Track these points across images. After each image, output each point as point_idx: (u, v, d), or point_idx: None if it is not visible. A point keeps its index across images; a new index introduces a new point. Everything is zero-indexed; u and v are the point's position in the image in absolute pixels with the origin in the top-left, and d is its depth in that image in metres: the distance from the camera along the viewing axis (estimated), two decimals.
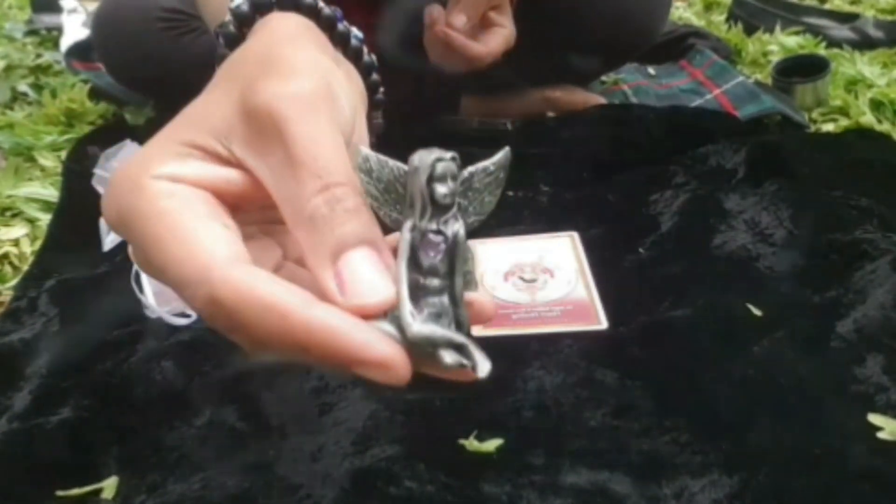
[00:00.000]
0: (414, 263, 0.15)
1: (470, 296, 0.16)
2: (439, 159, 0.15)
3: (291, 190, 0.16)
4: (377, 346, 0.15)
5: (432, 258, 0.15)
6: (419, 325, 0.15)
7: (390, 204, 0.16)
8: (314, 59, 0.19)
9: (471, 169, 0.17)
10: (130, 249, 0.19)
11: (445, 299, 0.15)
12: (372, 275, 0.16)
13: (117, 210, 0.17)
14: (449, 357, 0.15)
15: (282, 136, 0.16)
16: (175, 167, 0.17)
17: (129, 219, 0.16)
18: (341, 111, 0.18)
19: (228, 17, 0.22)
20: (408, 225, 0.16)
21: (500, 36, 0.54)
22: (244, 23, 0.22)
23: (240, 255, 0.16)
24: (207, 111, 0.18)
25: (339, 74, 0.19)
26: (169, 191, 0.16)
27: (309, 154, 0.16)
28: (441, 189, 0.15)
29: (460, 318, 0.16)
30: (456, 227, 0.16)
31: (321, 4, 0.22)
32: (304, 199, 0.16)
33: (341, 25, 0.23)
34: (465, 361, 0.14)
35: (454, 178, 0.16)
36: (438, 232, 0.15)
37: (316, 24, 0.21)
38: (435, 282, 0.15)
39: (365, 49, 0.24)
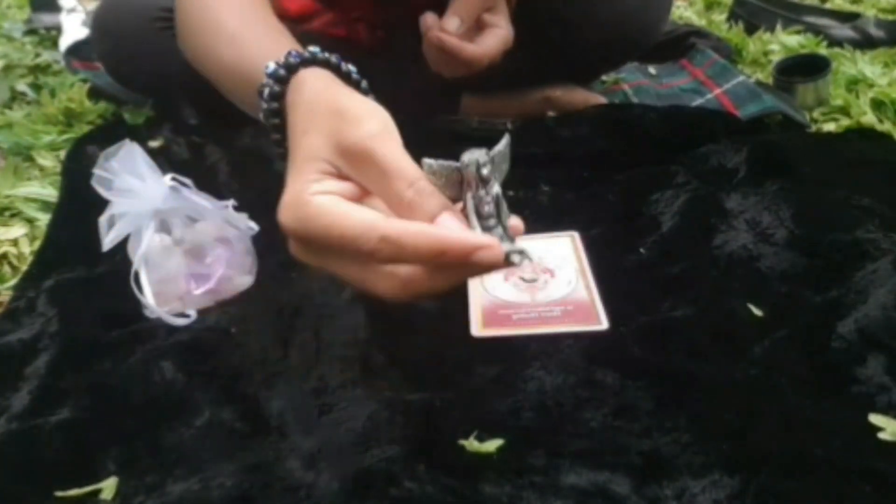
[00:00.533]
0: (478, 215, 0.27)
1: (509, 224, 0.29)
2: (481, 156, 0.28)
3: (390, 191, 0.27)
4: (488, 239, 0.26)
5: (489, 209, 0.27)
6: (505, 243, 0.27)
7: (447, 188, 0.28)
8: (366, 104, 0.30)
9: (493, 152, 0.29)
10: (293, 245, 0.30)
11: (500, 230, 0.28)
12: (456, 224, 0.27)
13: (294, 218, 0.28)
14: (517, 257, 0.26)
15: (374, 161, 0.28)
16: (320, 186, 0.28)
17: (304, 221, 0.28)
18: (396, 133, 0.29)
19: (266, 80, 0.32)
20: (469, 195, 0.28)
21: (496, 37, 0.53)
22: (281, 81, 0.32)
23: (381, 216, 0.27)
24: (316, 152, 0.29)
25: (381, 108, 0.30)
26: (323, 198, 0.28)
27: (395, 168, 0.27)
28: (484, 171, 0.27)
29: (511, 238, 0.28)
30: (495, 189, 0.28)
31: (328, 56, 0.33)
32: (401, 194, 0.27)
33: (343, 66, 0.34)
34: (529, 257, 0.27)
35: (487, 163, 0.28)
36: (487, 194, 0.27)
37: (330, 71, 0.32)
38: (491, 222, 0.28)
39: (358, 79, 0.34)
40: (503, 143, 0.29)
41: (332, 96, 0.30)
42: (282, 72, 0.32)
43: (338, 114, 0.29)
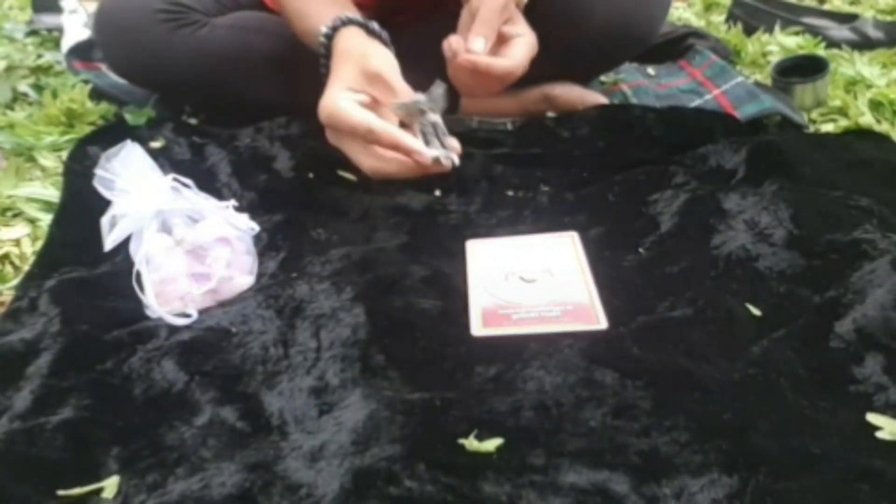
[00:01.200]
0: (422, 134, 0.47)
1: (448, 142, 0.47)
2: (421, 98, 0.46)
3: (394, 98, 0.47)
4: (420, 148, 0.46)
5: (428, 130, 0.47)
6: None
7: (407, 117, 0.47)
8: (381, 50, 0.51)
9: (429, 95, 0.47)
10: (327, 132, 0.50)
11: (437, 143, 0.47)
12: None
13: (325, 113, 0.48)
14: (443, 160, 0.45)
15: (386, 81, 0.48)
16: (344, 94, 0.48)
17: (331, 114, 0.47)
18: (398, 67, 0.49)
19: (322, 39, 0.52)
20: (416, 122, 0.47)
21: (523, 45, 0.53)
22: (329, 38, 0.52)
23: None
24: (346, 74, 0.48)
25: (390, 53, 0.51)
26: (344, 101, 0.47)
27: (399, 87, 0.47)
28: (423, 107, 0.47)
29: (445, 150, 0.46)
30: (430, 117, 0.47)
31: (364, 20, 0.52)
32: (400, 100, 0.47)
33: (370, 25, 0.52)
34: (453, 160, 0.46)
35: (426, 102, 0.47)
36: (427, 121, 0.47)
37: (361, 29, 0.51)
38: (431, 138, 0.47)
39: (385, 34, 0.52)
40: (440, 88, 0.46)
41: (361, 43, 0.50)
42: (330, 32, 0.51)
43: (363, 53, 0.49)
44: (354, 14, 0.52)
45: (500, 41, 0.53)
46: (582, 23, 0.65)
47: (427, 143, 0.45)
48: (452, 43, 0.52)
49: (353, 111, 0.46)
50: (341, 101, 0.46)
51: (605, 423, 0.34)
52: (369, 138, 0.46)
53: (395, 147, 0.45)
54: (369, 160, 0.47)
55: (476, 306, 0.44)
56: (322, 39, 0.51)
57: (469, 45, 0.51)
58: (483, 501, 0.30)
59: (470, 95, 0.58)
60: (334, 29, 0.51)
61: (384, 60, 0.48)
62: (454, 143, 0.47)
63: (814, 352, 0.39)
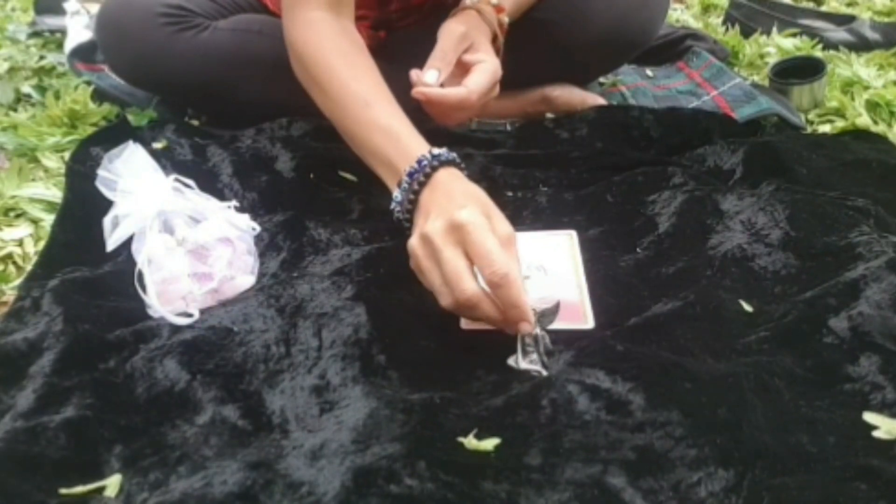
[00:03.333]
0: (522, 344, 0.40)
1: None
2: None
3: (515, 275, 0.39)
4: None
5: (528, 341, 0.40)
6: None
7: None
8: (477, 194, 0.43)
9: (541, 310, 0.41)
10: (425, 256, 0.41)
11: (535, 356, 0.40)
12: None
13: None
14: (534, 372, 0.39)
15: (512, 248, 0.40)
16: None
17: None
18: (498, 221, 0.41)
19: (405, 181, 0.44)
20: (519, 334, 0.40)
21: (482, 72, 0.53)
22: (420, 183, 0.43)
23: None
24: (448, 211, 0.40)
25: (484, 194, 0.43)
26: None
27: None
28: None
29: (544, 365, 0.40)
30: (536, 331, 0.40)
31: (455, 157, 0.45)
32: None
33: (457, 158, 0.45)
34: (541, 374, 0.39)
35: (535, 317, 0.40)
36: (531, 336, 0.40)
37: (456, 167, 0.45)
38: (529, 349, 0.40)
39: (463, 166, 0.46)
40: (553, 304, 0.41)
41: (464, 188, 0.43)
42: (422, 176, 0.43)
43: (485, 198, 0.42)
44: (442, 151, 0.44)
45: (463, 70, 0.54)
46: (581, 26, 0.65)
47: (524, 352, 0.39)
48: (412, 76, 0.53)
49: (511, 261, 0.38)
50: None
51: (599, 418, 0.35)
52: (502, 291, 0.37)
53: (514, 306, 0.38)
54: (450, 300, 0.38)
55: None
56: (406, 188, 0.43)
57: (422, 78, 0.52)
58: (483, 499, 0.30)
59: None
60: (428, 172, 0.43)
61: (506, 226, 0.41)
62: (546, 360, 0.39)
63: (809, 350, 0.39)
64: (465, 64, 0.54)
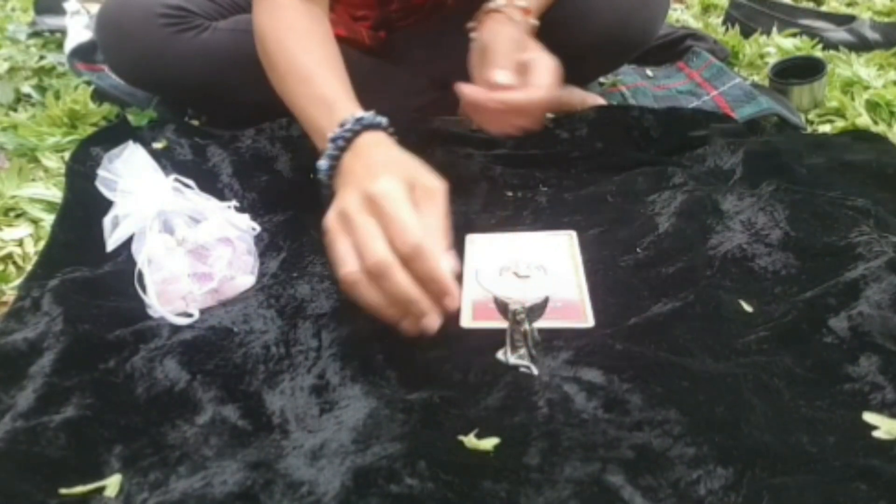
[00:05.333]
0: (511, 338, 0.39)
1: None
2: (520, 306, 0.39)
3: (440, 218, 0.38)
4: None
5: (517, 337, 0.39)
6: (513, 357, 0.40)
7: (498, 311, 0.40)
8: (398, 160, 0.41)
9: (529, 304, 0.39)
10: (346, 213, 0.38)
11: (524, 350, 0.39)
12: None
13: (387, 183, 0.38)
14: (523, 369, 0.39)
15: (437, 201, 0.38)
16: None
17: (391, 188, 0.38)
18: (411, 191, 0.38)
19: (330, 145, 0.42)
20: (508, 326, 0.39)
21: (545, 69, 0.49)
22: (341, 148, 0.42)
23: None
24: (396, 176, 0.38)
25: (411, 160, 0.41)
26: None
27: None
28: (519, 317, 0.39)
29: (533, 359, 0.39)
30: (524, 327, 0.39)
31: (381, 122, 0.43)
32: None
33: (383, 122, 0.43)
34: (532, 371, 0.39)
35: (523, 311, 0.39)
36: (518, 329, 0.39)
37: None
38: (518, 344, 0.39)
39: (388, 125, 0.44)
40: (541, 299, 0.39)
41: (394, 155, 0.41)
42: (342, 141, 0.42)
43: (408, 163, 0.40)
44: (368, 115, 0.43)
45: (520, 71, 0.50)
46: (581, 26, 0.65)
47: (513, 346, 0.38)
48: (466, 90, 0.49)
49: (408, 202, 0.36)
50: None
51: (597, 416, 0.35)
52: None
53: (432, 280, 0.35)
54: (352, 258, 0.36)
55: (468, 299, 0.44)
56: (331, 150, 0.41)
57: (494, 80, 0.48)
58: (483, 498, 0.30)
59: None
60: (353, 134, 0.41)
61: (434, 180, 0.39)
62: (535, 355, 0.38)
63: (809, 350, 0.39)
64: (520, 64, 0.50)
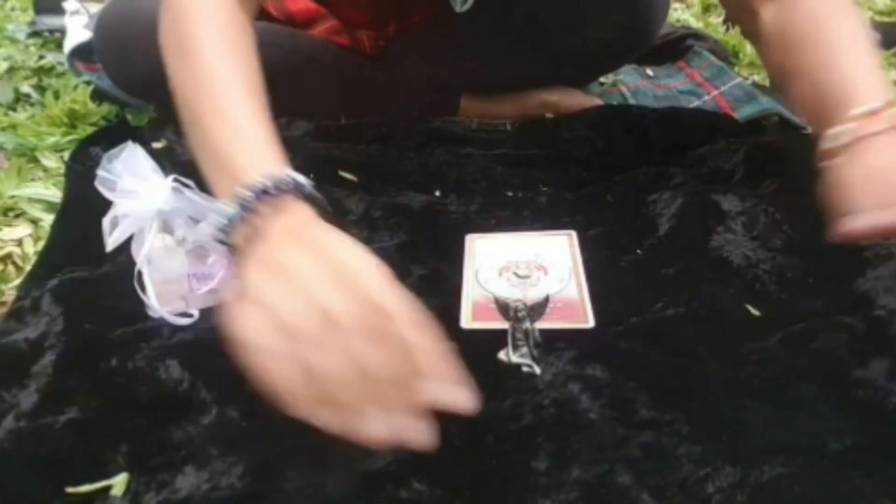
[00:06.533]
0: (512, 337, 0.41)
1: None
2: (520, 304, 0.42)
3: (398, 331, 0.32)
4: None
5: (519, 335, 0.41)
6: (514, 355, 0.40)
7: (499, 311, 0.43)
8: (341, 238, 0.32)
9: (531, 302, 0.43)
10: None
11: (525, 349, 0.40)
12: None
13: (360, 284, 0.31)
14: (525, 368, 0.39)
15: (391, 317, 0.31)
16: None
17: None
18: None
19: (248, 195, 0.33)
20: (510, 324, 0.42)
21: None
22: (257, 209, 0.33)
23: None
24: None
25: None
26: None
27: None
28: (520, 315, 0.42)
29: (534, 358, 0.39)
30: (525, 325, 0.41)
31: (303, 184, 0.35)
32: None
33: (312, 191, 0.35)
34: (534, 371, 0.39)
35: (524, 310, 0.42)
36: (519, 328, 0.41)
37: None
38: (520, 343, 0.40)
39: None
40: (543, 298, 0.42)
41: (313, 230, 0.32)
42: (268, 197, 0.33)
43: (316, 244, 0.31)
44: (295, 178, 0.35)
45: None
46: (582, 28, 0.65)
47: (515, 346, 0.39)
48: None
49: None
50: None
51: (603, 416, 0.34)
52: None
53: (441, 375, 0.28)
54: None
55: (467, 299, 0.44)
56: (249, 200, 0.33)
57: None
58: (491, 502, 0.30)
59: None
60: (277, 190, 0.33)
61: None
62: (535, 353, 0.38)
63: (814, 354, 0.39)
64: None
